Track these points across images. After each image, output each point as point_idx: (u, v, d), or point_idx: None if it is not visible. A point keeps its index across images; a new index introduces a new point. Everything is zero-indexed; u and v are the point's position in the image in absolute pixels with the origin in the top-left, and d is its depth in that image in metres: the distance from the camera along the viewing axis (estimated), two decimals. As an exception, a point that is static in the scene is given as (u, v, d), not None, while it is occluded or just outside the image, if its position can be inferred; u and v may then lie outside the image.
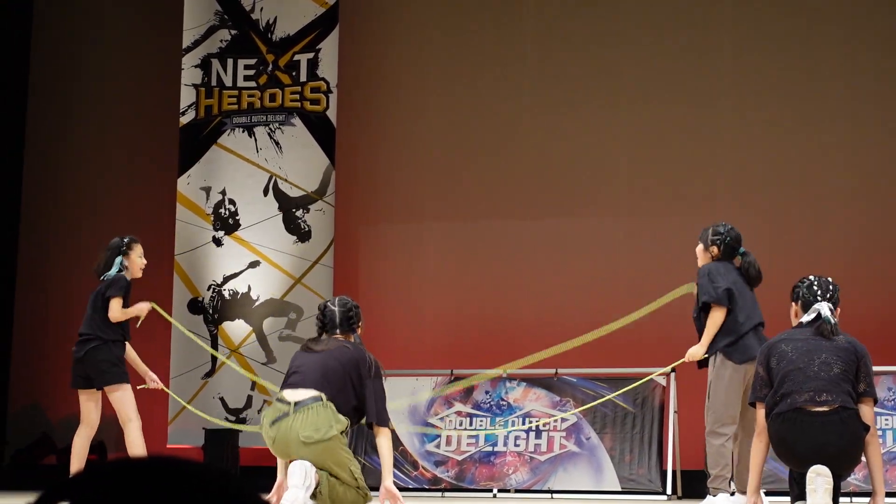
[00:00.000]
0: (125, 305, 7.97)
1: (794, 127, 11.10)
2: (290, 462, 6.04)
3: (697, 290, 7.32)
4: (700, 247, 7.43)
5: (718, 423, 7.20)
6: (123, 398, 8.00)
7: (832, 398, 5.71)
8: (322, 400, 6.10)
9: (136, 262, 8.13)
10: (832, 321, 5.87)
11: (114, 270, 8.04)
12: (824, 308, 5.91)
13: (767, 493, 9.44)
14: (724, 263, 7.31)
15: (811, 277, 6.12)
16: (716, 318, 7.15)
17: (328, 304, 6.60)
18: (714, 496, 7.22)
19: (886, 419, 9.53)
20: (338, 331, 6.47)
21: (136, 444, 7.93)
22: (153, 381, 8.35)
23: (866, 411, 5.81)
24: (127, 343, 8.09)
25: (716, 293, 7.13)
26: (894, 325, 10.17)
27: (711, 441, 7.22)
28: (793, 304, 6.15)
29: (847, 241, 10.79)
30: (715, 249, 7.36)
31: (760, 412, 5.91)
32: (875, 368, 9.56)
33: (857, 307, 10.57)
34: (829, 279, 6.11)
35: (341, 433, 6.10)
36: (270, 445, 6.19)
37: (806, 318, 5.96)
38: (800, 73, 11.13)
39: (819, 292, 6.00)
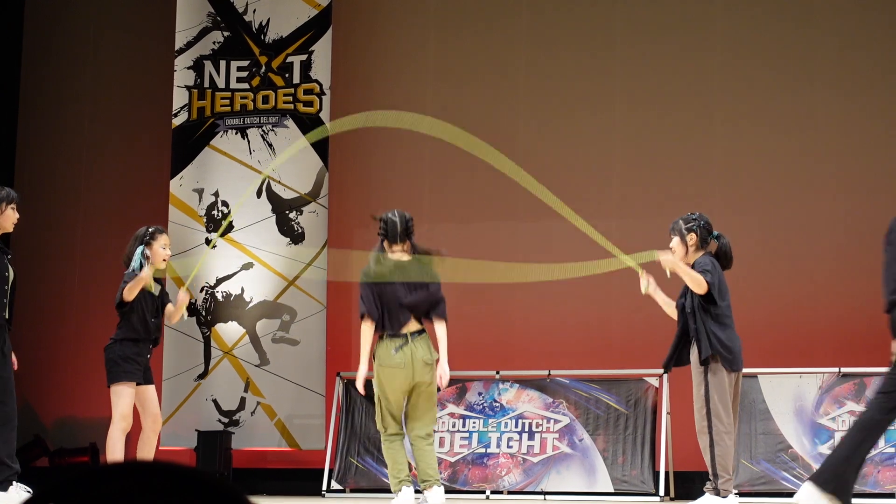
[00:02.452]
0: (139, 306, 7.90)
1: (785, 128, 11.12)
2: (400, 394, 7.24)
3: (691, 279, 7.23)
4: (676, 239, 7.39)
5: (722, 424, 7.19)
6: (117, 397, 7.93)
7: None
8: (424, 331, 7.32)
9: (158, 252, 7.97)
10: None
11: (135, 261, 7.92)
12: None
13: (760, 495, 9.47)
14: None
15: None
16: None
17: (388, 215, 7.39)
18: (725, 497, 7.21)
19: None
20: (398, 239, 7.28)
21: (113, 447, 7.92)
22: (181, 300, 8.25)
23: None
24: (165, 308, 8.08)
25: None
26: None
27: (720, 443, 7.19)
28: None
29: (838, 242, 10.80)
30: (693, 236, 7.31)
31: None
32: (867, 369, 9.63)
33: (848, 307, 10.59)
34: None
35: None
36: (395, 371, 7.20)
37: None
38: (790, 76, 11.14)
39: None
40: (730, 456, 7.27)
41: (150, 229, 8.02)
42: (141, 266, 7.88)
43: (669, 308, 7.50)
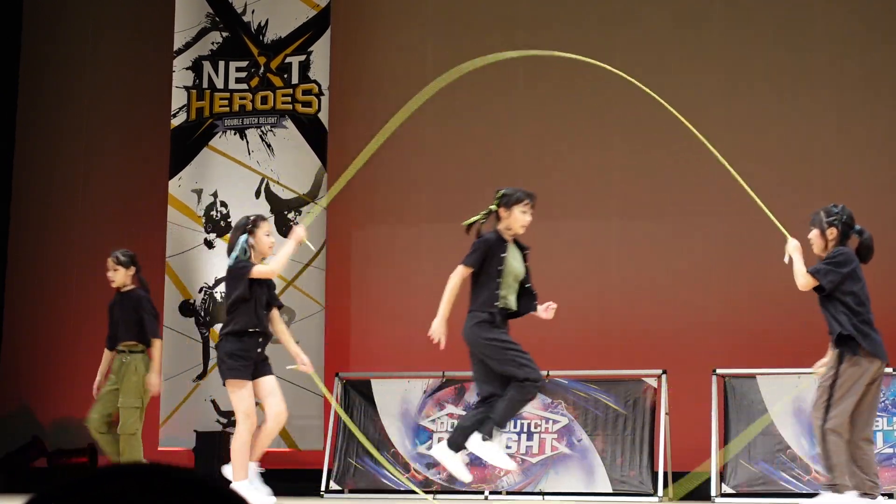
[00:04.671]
0: (247, 293, 7.64)
1: (782, 126, 11.12)
2: None
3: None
4: (815, 232, 7.08)
5: (840, 421, 6.82)
6: (233, 395, 7.71)
7: None
8: None
9: (263, 240, 7.74)
10: None
11: (237, 251, 7.68)
12: None
13: (758, 495, 9.47)
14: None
15: None
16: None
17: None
18: (842, 493, 6.96)
19: (877, 421, 9.54)
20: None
21: (235, 449, 7.66)
22: (303, 363, 8.10)
23: None
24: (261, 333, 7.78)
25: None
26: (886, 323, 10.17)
27: (832, 439, 6.81)
28: None
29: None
30: (834, 231, 7.00)
31: None
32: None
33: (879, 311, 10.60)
34: None
35: None
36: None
37: None
38: (788, 76, 11.15)
39: None
40: (844, 452, 7.03)
41: (251, 217, 7.78)
42: (245, 253, 7.66)
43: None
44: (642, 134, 11.37)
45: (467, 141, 11.75)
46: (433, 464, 10.18)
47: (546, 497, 9.85)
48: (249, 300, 7.64)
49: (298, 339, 11.08)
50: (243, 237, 7.68)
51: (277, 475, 11.26)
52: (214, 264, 11.35)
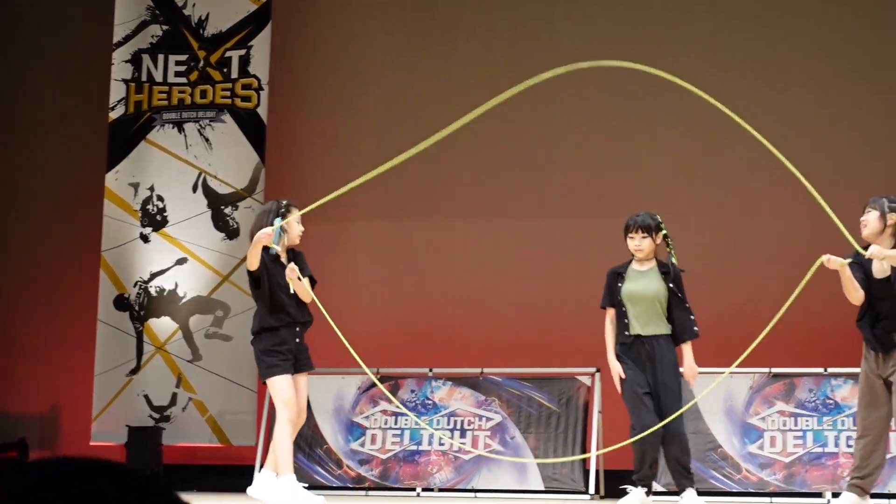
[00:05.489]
0: (261, 281, 7.30)
1: (731, 132, 11.17)
2: None
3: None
4: (875, 213, 6.88)
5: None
6: (272, 390, 7.47)
7: None
8: None
9: (294, 226, 7.45)
10: None
11: (274, 236, 7.33)
12: None
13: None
14: None
15: None
16: None
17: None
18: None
19: (807, 420, 9.60)
20: None
21: (277, 440, 7.38)
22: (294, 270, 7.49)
23: None
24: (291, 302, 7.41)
25: None
26: (816, 328, 10.23)
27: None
28: None
29: (770, 246, 10.86)
30: (894, 216, 6.84)
31: None
32: (797, 370, 9.69)
33: (779, 309, 10.65)
34: None
35: None
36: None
37: None
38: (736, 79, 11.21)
39: None
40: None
41: (283, 202, 7.45)
42: (279, 239, 7.35)
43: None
44: (581, 137, 11.38)
45: (407, 138, 11.68)
46: (366, 460, 10.15)
47: (478, 494, 9.83)
48: (268, 294, 7.43)
49: (233, 335, 11.06)
50: (278, 220, 7.33)
51: (209, 471, 11.22)
52: (150, 259, 11.27)
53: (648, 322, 7.41)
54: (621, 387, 7.42)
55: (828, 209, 6.84)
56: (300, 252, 7.63)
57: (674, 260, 7.48)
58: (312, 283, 7.56)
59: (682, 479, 7.46)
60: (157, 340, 11.14)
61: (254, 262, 7.20)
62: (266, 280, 7.32)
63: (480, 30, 11.69)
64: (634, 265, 7.53)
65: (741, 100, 11.09)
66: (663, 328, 7.43)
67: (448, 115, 11.62)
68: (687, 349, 7.51)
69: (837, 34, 11.14)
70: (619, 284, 7.44)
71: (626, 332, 7.41)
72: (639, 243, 7.43)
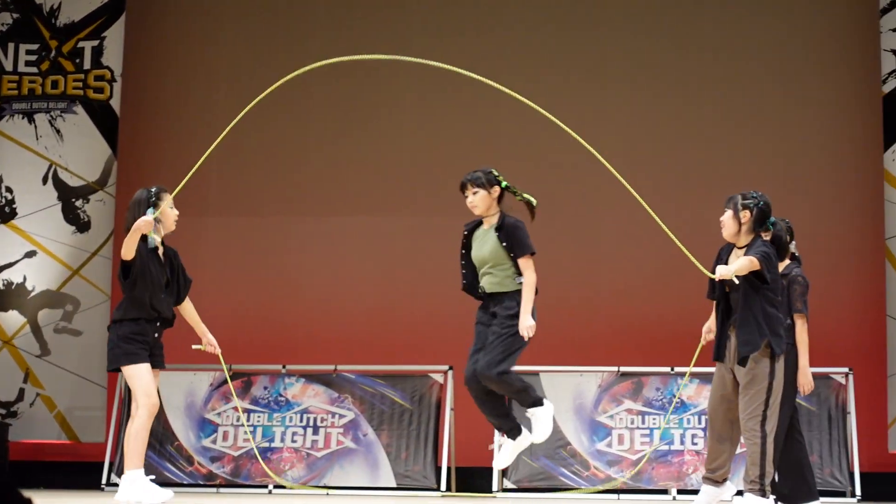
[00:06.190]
0: (131, 272, 6.98)
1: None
2: None
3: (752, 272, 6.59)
4: (728, 213, 6.70)
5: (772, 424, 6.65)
6: (132, 379, 7.02)
7: None
8: None
9: (168, 213, 7.16)
10: None
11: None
12: None
13: (539, 490, 9.62)
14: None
15: None
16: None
17: None
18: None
19: (654, 419, 9.81)
20: None
21: (137, 434, 6.96)
22: (210, 343, 7.38)
23: None
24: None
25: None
26: (667, 327, 10.44)
27: (772, 441, 6.59)
28: None
29: (620, 246, 11.04)
30: (747, 214, 6.65)
31: None
32: (644, 369, 9.90)
33: (627, 308, 10.85)
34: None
35: None
36: None
37: None
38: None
39: None
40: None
41: (152, 190, 7.16)
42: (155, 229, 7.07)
43: None
44: (436, 134, 11.44)
45: (261, 134, 11.64)
46: (217, 457, 10.10)
47: (330, 491, 9.84)
48: (139, 284, 7.10)
49: (83, 330, 10.91)
50: (150, 210, 7.07)
51: (57, 467, 11.04)
52: (-2, 251, 11.07)
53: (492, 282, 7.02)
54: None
55: (671, 234, 6.86)
56: (175, 251, 7.46)
57: (527, 198, 7.03)
58: (188, 282, 7.41)
59: None
60: (5, 335, 10.94)
61: (129, 252, 6.99)
62: (136, 271, 7.15)
63: (337, 23, 11.68)
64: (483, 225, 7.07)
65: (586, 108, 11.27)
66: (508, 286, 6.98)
67: (306, 112, 11.64)
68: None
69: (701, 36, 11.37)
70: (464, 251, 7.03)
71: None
72: (471, 199, 7.00)
